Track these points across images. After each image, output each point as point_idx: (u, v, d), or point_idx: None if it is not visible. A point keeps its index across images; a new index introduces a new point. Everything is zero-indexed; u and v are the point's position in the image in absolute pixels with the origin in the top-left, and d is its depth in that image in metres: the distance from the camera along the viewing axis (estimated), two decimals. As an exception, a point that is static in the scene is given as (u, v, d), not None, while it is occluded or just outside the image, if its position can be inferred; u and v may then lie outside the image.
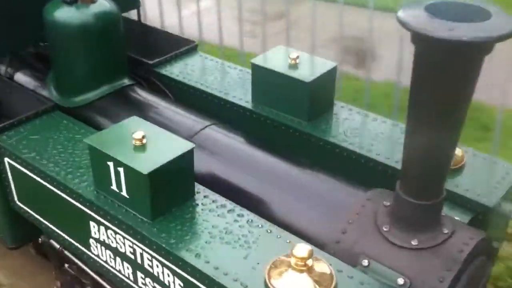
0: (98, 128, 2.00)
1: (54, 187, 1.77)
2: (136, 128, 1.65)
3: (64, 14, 2.05)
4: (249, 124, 2.07)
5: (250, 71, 2.28)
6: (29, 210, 1.97)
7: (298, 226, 1.66)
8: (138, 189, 1.56)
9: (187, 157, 1.60)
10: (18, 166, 1.88)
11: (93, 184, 1.70)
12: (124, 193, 1.61)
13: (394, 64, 2.55)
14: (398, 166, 1.77)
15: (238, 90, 2.17)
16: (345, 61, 4.38)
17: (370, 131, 1.95)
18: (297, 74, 1.95)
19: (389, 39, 2.89)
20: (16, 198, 1.99)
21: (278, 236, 1.54)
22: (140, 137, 1.59)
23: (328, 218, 1.64)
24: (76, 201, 1.72)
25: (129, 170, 1.54)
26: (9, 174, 1.94)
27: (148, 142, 1.60)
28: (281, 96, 2.00)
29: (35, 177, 1.83)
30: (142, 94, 2.18)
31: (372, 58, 4.45)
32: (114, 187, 1.62)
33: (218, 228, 1.56)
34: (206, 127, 1.95)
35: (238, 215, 1.61)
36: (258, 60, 2.04)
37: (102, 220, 1.67)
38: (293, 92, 1.97)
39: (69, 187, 1.72)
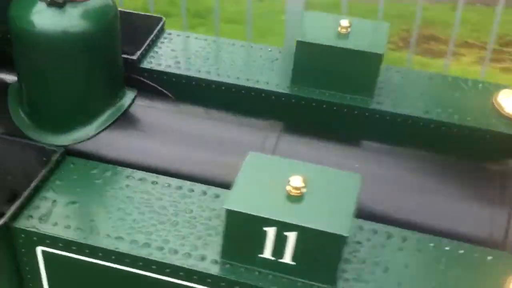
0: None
1: (145, 270, 1.28)
2: (272, 170, 1.23)
3: (50, 21, 1.40)
4: (295, 113, 1.71)
5: (254, 46, 1.88)
6: None
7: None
8: (319, 254, 1.17)
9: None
10: (65, 254, 1.31)
11: (216, 255, 1.26)
12: (286, 260, 1.20)
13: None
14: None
15: (266, 74, 1.76)
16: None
17: (440, 94, 1.73)
18: (364, 46, 1.62)
19: None
20: None
21: None
22: (300, 184, 1.18)
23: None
24: (195, 282, 1.26)
25: (310, 234, 1.14)
26: (41, 266, 1.36)
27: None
28: (339, 74, 1.66)
29: (102, 262, 1.30)
30: (156, 107, 1.66)
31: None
32: (266, 255, 1.21)
33: (413, 268, 1.26)
34: (279, 137, 1.54)
35: (417, 242, 1.32)
36: (302, 36, 1.65)
37: None
38: (359, 68, 1.64)
39: (177, 266, 1.25)
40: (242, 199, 1.18)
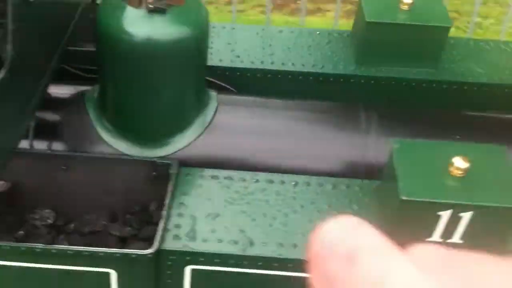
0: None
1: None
2: (426, 154, 1.24)
3: (154, 28, 1.30)
4: (365, 94, 1.72)
5: (303, 31, 1.86)
6: None
7: None
8: (491, 230, 1.21)
9: None
10: (218, 269, 1.26)
11: None
12: (454, 240, 1.23)
13: None
14: None
15: (327, 58, 1.74)
16: None
17: (493, 58, 1.80)
18: (433, 20, 1.65)
19: None
20: None
21: None
22: (464, 164, 1.20)
23: None
24: None
25: (487, 212, 1.17)
26: (186, 285, 1.29)
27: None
28: (406, 50, 1.68)
29: (259, 271, 1.26)
30: (231, 103, 1.60)
31: None
32: (435, 238, 1.22)
33: None
34: (377, 121, 1.55)
35: None
36: (368, 16, 1.66)
37: None
38: (428, 42, 1.67)
39: None
40: (414, 187, 1.18)
